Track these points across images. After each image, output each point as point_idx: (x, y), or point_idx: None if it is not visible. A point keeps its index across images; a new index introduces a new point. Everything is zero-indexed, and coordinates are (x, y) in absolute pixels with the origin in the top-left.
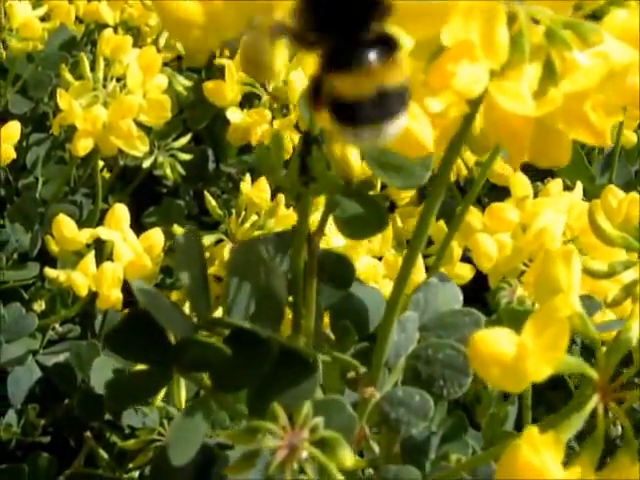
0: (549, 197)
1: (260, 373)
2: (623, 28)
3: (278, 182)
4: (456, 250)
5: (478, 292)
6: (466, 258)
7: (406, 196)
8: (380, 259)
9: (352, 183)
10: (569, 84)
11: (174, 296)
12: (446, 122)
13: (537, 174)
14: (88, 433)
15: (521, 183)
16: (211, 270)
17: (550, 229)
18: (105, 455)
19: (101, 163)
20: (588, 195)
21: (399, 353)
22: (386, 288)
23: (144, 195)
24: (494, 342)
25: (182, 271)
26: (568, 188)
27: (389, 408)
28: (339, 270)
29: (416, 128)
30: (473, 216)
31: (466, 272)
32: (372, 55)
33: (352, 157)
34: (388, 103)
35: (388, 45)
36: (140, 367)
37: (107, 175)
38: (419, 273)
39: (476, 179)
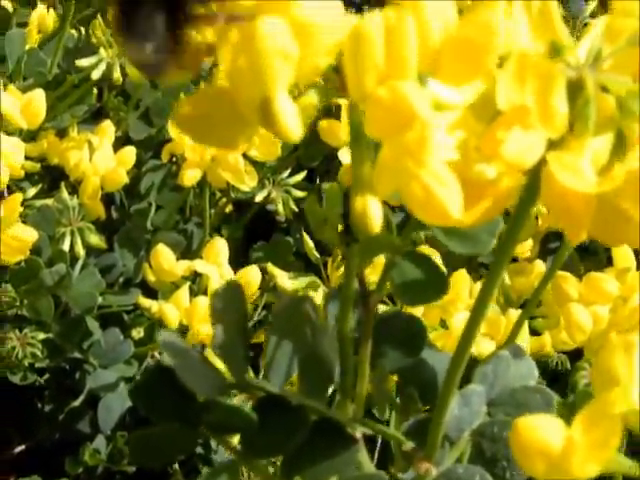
0: None
1: (292, 441)
2: None
3: (324, 239)
4: None
5: None
6: None
7: (525, 250)
8: None
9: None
10: (634, 161)
11: None
12: (499, 192)
13: None
14: (176, 466)
15: (624, 253)
16: None
17: None
18: None
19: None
20: None
21: (461, 428)
22: (487, 348)
23: (259, 229)
24: (540, 432)
25: (216, 324)
26: None
27: None
28: (409, 333)
29: (440, 193)
30: (569, 284)
31: None
32: None
33: (374, 212)
34: None
35: None
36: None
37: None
38: (522, 336)
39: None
